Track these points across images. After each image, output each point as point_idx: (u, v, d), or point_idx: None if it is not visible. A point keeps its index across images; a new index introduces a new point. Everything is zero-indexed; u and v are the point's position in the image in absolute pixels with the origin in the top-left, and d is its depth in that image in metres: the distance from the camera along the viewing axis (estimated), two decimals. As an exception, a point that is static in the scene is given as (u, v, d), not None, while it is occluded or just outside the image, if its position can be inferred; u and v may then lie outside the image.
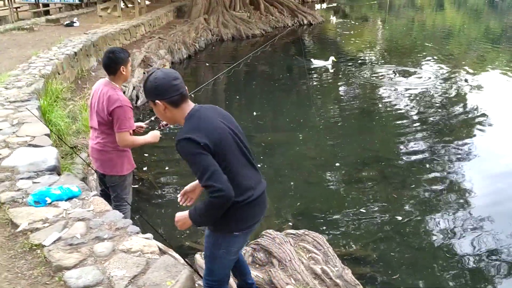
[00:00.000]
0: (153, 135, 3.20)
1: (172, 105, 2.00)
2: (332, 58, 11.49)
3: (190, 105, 2.06)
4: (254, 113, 8.02)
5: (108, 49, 3.12)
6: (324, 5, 25.94)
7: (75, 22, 11.95)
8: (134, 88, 7.89)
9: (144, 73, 8.80)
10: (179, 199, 2.34)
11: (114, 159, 3.18)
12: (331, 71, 11.22)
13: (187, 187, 2.34)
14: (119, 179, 3.24)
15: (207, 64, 12.27)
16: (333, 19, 21.96)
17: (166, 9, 16.09)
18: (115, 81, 3.11)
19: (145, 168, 5.71)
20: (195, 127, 1.95)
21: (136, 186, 5.05)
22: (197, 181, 2.19)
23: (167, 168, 5.81)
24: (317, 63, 11.64)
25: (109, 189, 3.30)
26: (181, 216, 2.09)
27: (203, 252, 2.40)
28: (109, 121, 3.04)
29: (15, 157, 3.42)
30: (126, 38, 11.19)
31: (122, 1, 14.39)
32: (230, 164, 1.98)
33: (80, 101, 6.50)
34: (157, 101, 1.99)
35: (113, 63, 3.03)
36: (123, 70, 3.08)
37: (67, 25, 11.67)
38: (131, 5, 15.25)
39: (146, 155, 6.07)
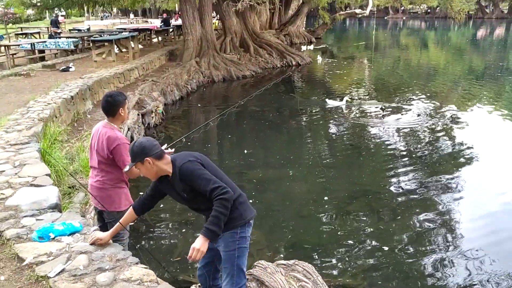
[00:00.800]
0: None
1: (157, 158, 2.62)
2: (346, 98, 11.84)
3: (168, 157, 2.71)
4: (245, 151, 8.25)
5: (107, 93, 3.40)
6: (311, 47, 26.81)
7: (71, 67, 12.32)
8: (129, 129, 8.14)
9: (138, 114, 9.08)
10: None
11: (112, 196, 3.39)
12: (345, 110, 11.46)
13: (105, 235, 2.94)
14: (117, 214, 3.42)
15: (199, 105, 12.62)
16: (320, 59, 22.69)
17: (159, 53, 16.62)
18: (114, 122, 3.37)
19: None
20: (185, 155, 2.67)
21: (132, 223, 5.20)
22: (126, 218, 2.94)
23: (162, 205, 5.97)
24: (331, 103, 11.89)
25: (107, 225, 3.47)
26: (197, 244, 2.51)
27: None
28: (109, 160, 3.28)
29: (18, 196, 3.60)
30: (120, 81, 11.55)
31: (116, 46, 14.86)
32: (217, 175, 2.64)
33: (77, 142, 6.71)
34: (146, 158, 2.57)
35: (111, 106, 3.30)
36: (121, 112, 3.35)
37: (63, 70, 12.03)
38: (125, 50, 15.75)
39: (141, 193, 6.21)
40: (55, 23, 22.33)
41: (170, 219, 5.67)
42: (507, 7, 68.46)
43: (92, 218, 4.40)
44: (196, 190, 2.58)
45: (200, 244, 2.50)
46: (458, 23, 25.32)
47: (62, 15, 37.70)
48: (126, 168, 2.73)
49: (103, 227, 3.46)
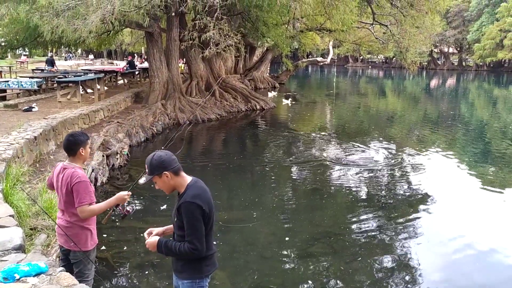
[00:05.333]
0: (118, 197, 3.36)
1: (175, 174, 2.71)
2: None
3: (185, 175, 2.79)
4: (215, 193, 8.34)
5: (69, 133, 3.49)
6: (275, 93, 27.62)
7: (34, 107, 12.19)
8: (93, 170, 8.10)
9: (103, 155, 9.05)
10: (145, 233, 2.94)
11: (78, 235, 3.41)
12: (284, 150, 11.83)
13: (158, 228, 2.96)
14: (82, 255, 3.44)
15: (162, 148, 12.66)
16: (288, 102, 23.48)
17: (125, 95, 16.70)
18: (75, 161, 3.44)
19: (103, 248, 5.80)
20: (199, 194, 2.69)
21: (94, 266, 5.13)
22: (164, 228, 2.97)
23: (125, 248, 5.93)
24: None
25: (72, 266, 3.47)
26: (152, 240, 2.78)
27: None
28: (69, 198, 3.33)
29: (-19, 237, 3.55)
30: (85, 122, 11.51)
31: (81, 87, 14.86)
32: (209, 227, 2.73)
33: (39, 183, 6.63)
34: (164, 172, 2.66)
35: (72, 145, 3.38)
36: (82, 151, 3.43)
37: (26, 110, 11.88)
38: (91, 91, 15.76)
39: (105, 235, 6.17)
40: (50, 62, 22.30)
41: (134, 261, 5.62)
42: (457, 60, 73.24)
43: (55, 260, 4.35)
44: (183, 224, 2.68)
45: (151, 242, 2.78)
46: (412, 73, 26.84)
47: (25, 55, 37.32)
48: (142, 181, 2.75)
49: (68, 267, 3.46)
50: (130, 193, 3.45)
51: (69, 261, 3.51)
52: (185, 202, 2.63)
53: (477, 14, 60.44)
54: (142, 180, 2.78)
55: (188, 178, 2.79)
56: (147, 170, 2.74)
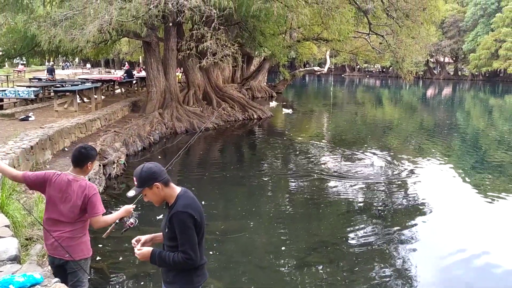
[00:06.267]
0: (126, 209, 3.41)
1: (165, 185, 2.69)
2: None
3: (174, 186, 2.76)
4: (203, 202, 8.28)
5: (81, 145, 3.51)
6: (277, 102, 27.73)
7: (31, 117, 12.18)
8: (89, 179, 8.07)
9: (100, 165, 9.03)
10: (133, 241, 2.89)
11: (81, 244, 3.43)
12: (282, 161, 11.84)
13: (146, 236, 2.92)
14: (83, 263, 3.43)
15: (159, 157, 12.65)
16: (289, 111, 23.65)
17: (122, 104, 16.71)
18: (80, 174, 3.45)
19: (98, 258, 5.77)
20: (190, 204, 2.68)
21: (90, 276, 5.11)
22: (152, 236, 2.92)
23: (121, 258, 5.91)
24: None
25: (68, 276, 3.45)
26: (144, 250, 2.75)
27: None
28: (80, 212, 3.33)
29: (-24, 248, 3.54)
30: (82, 131, 11.50)
31: (78, 96, 14.86)
32: (200, 236, 2.72)
33: (34, 193, 6.60)
34: (155, 183, 2.63)
35: (84, 158, 3.40)
36: (89, 166, 3.46)
37: (22, 120, 11.86)
38: (88, 100, 15.76)
39: (100, 245, 6.14)
40: (50, 71, 22.42)
41: (130, 271, 5.59)
42: (453, 69, 73.75)
43: (50, 271, 4.32)
44: (175, 235, 2.66)
45: (143, 252, 2.74)
46: (408, 83, 27.06)
47: (22, 64, 37.35)
48: (132, 193, 2.70)
49: (63, 278, 3.43)
50: (134, 206, 3.48)
51: (62, 273, 3.48)
52: (177, 212, 2.62)
53: (472, 24, 61.00)
54: (131, 193, 2.70)
55: (177, 189, 2.77)
56: (136, 183, 2.69)
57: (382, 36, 20.91)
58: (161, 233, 2.93)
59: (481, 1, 58.70)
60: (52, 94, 16.31)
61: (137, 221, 3.43)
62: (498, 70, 62.29)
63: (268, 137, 16.93)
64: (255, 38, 19.33)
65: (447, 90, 50.64)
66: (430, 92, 48.89)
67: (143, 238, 2.90)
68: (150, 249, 2.77)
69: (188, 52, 14.32)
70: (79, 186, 3.33)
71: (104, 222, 3.40)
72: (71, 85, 16.64)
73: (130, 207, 3.43)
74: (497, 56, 56.19)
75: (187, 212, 2.62)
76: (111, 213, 3.59)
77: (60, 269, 3.52)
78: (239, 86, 30.69)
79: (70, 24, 12.71)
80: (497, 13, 56.37)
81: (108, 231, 3.45)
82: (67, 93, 14.20)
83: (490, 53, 56.37)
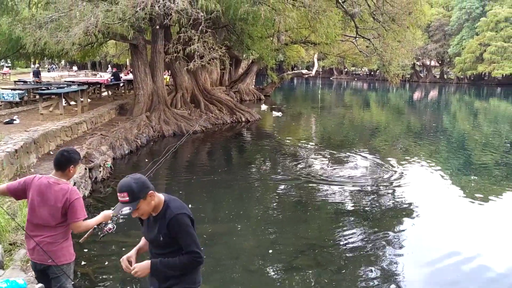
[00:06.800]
0: (105, 215, 3.39)
1: (154, 189, 2.59)
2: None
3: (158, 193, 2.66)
4: (190, 205, 8.24)
5: (64, 148, 3.46)
6: (268, 106, 27.72)
7: (15, 120, 12.02)
8: (75, 183, 7.98)
9: (85, 168, 8.94)
10: (124, 266, 2.73)
11: (63, 249, 3.36)
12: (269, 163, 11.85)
13: (131, 253, 2.80)
14: (66, 268, 3.38)
15: (146, 160, 12.56)
16: (279, 114, 23.72)
17: (109, 107, 16.57)
18: (63, 177, 3.39)
19: (83, 263, 5.70)
20: (181, 206, 2.67)
21: (74, 282, 5.04)
22: (136, 249, 2.82)
23: (106, 262, 5.84)
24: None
25: (51, 281, 3.39)
26: (142, 266, 2.63)
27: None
28: (60, 216, 3.27)
29: (-44, 253, 3.46)
30: (67, 135, 11.37)
31: (64, 99, 14.70)
32: None
33: (19, 197, 6.50)
34: (150, 192, 2.54)
35: (65, 161, 3.34)
36: (71, 169, 3.39)
37: (7, 123, 11.70)
38: (74, 103, 15.60)
39: (86, 250, 6.07)
40: (36, 74, 22.19)
41: (116, 276, 5.53)
42: (439, 73, 74.65)
43: (34, 276, 4.25)
44: (175, 240, 2.61)
45: (141, 268, 2.61)
46: (395, 86, 27.31)
47: (7, 66, 36.86)
48: (127, 211, 2.51)
49: (47, 284, 3.38)
50: (113, 211, 3.43)
51: (45, 278, 3.42)
52: (175, 216, 2.58)
53: (458, 28, 61.86)
54: (126, 211, 2.50)
55: (160, 195, 2.70)
56: (127, 198, 2.50)
57: (369, 39, 21.09)
58: (142, 244, 2.85)
59: (466, 6, 59.58)
60: (37, 97, 16.11)
61: (115, 226, 3.42)
62: (483, 73, 63.19)
63: (256, 140, 16.93)
64: (243, 41, 19.34)
65: (433, 93, 51.22)
66: (416, 95, 49.40)
67: (132, 256, 2.79)
68: (147, 262, 2.66)
69: (175, 55, 14.28)
70: (60, 189, 3.27)
71: (85, 227, 3.35)
72: (57, 88, 16.47)
73: (110, 212, 3.41)
74: (481, 59, 57.05)
75: (184, 213, 2.62)
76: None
77: (43, 274, 3.47)
78: (227, 89, 30.67)
79: (55, 26, 12.59)
80: (482, 17, 57.26)
81: (86, 236, 3.42)
82: (53, 96, 14.04)
83: (475, 57, 57.20)
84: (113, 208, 3.47)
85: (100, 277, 5.44)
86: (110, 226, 3.38)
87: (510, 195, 9.59)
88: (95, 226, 3.39)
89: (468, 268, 6.20)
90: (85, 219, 3.39)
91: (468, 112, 31.05)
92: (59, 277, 3.36)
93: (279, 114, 23.87)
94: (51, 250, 3.31)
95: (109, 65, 43.44)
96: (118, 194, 2.54)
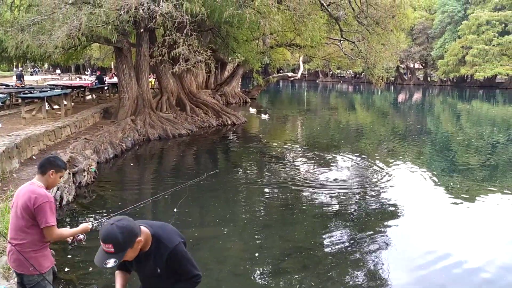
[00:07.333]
0: (84, 228, 3.37)
1: (140, 233, 2.37)
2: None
3: (142, 228, 2.45)
4: (175, 209, 8.17)
5: (52, 155, 3.44)
6: (256, 109, 27.69)
7: (-3, 124, 11.83)
8: (58, 188, 7.87)
9: (69, 173, 8.81)
10: None
11: (32, 258, 3.26)
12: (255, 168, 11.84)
13: None
14: (38, 277, 3.30)
15: (131, 164, 12.45)
16: (266, 116, 23.77)
17: (93, 111, 16.40)
18: (41, 181, 3.34)
19: (67, 269, 5.61)
20: (172, 235, 2.53)
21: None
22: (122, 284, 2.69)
23: (91, 269, 5.75)
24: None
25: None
26: None
27: None
28: (31, 219, 3.20)
29: None
30: (50, 139, 11.22)
31: (47, 103, 14.51)
32: None
33: (1, 203, 6.38)
34: (138, 239, 2.32)
35: (46, 164, 3.33)
36: (51, 174, 3.34)
37: (-12, 127, 11.50)
38: (57, 107, 15.40)
39: (69, 256, 5.98)
40: (19, 77, 21.90)
41: (101, 282, 5.46)
42: (423, 75, 75.65)
43: (16, 284, 4.17)
44: (174, 270, 2.53)
45: None
46: (379, 88, 27.55)
47: (-11, 70, 36.26)
48: (112, 263, 2.28)
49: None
50: (91, 225, 3.45)
51: (26, 286, 3.36)
52: (172, 250, 2.45)
53: (440, 31, 62.85)
54: (111, 263, 2.26)
55: (146, 229, 2.47)
56: (113, 249, 2.24)
57: (354, 42, 21.25)
58: (123, 283, 2.71)
59: (448, 9, 60.56)
60: (20, 100, 15.86)
61: (86, 237, 3.42)
62: (465, 75, 64.23)
63: (242, 143, 16.91)
64: (228, 44, 19.34)
65: (417, 95, 51.85)
66: (401, 97, 49.94)
67: None
68: None
69: (160, 58, 14.21)
70: (32, 190, 3.22)
71: (58, 236, 3.30)
72: (40, 92, 16.24)
73: (89, 225, 3.40)
74: (464, 62, 58.00)
75: (179, 242, 2.50)
76: (85, 222, 3.52)
77: (23, 283, 3.40)
78: (213, 92, 30.62)
79: (38, 29, 12.43)
80: (464, 20, 58.28)
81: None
82: (36, 100, 13.85)
83: (457, 59, 58.15)
84: (90, 223, 3.48)
85: (84, 284, 5.35)
86: (81, 236, 3.37)
87: (493, 196, 9.73)
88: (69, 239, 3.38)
89: (453, 268, 6.25)
90: (72, 227, 3.37)
91: (451, 114, 31.49)
92: (35, 286, 3.29)
93: (267, 116, 23.95)
94: (19, 258, 3.22)
95: (88, 69, 43.00)
96: (101, 243, 2.28)
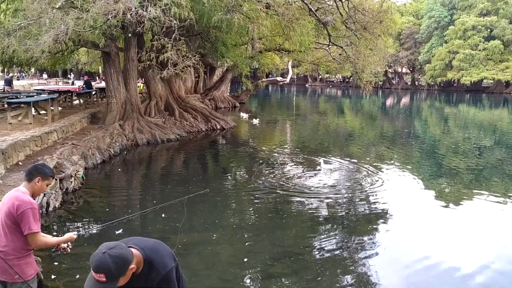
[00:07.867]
0: (69, 237, 3.33)
1: (133, 260, 2.27)
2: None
3: (133, 251, 2.33)
4: (163, 215, 8.12)
5: (41, 162, 3.40)
6: (248, 114, 27.65)
7: (-18, 130, 11.66)
8: (44, 195, 7.76)
9: (56, 179, 8.71)
10: None
11: (15, 265, 3.21)
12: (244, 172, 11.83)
13: None
14: (21, 285, 3.25)
15: (119, 170, 12.35)
16: (257, 121, 23.80)
17: (80, 116, 16.27)
18: (27, 188, 3.30)
19: (54, 276, 5.53)
20: (165, 258, 2.43)
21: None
22: None
23: (78, 276, 5.67)
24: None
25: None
26: None
27: None
28: (14, 225, 3.16)
29: None
30: (37, 144, 11.08)
31: (33, 108, 14.34)
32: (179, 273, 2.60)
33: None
34: (130, 267, 2.21)
35: (33, 171, 3.30)
36: (37, 182, 3.31)
37: (-27, 133, 11.33)
38: (44, 112, 15.23)
39: (56, 263, 5.90)
40: (8, 82, 21.66)
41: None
42: (410, 80, 76.41)
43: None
44: None
45: None
46: (368, 93, 27.75)
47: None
48: None
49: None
50: (76, 235, 3.43)
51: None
52: (165, 275, 2.38)
53: (427, 36, 63.61)
54: None
55: (138, 253, 2.36)
56: (105, 279, 2.13)
57: (342, 47, 21.40)
58: None
59: (435, 14, 61.37)
60: (5, 105, 15.66)
61: (70, 245, 3.39)
62: (452, 80, 64.98)
63: (231, 148, 16.89)
64: (217, 48, 19.34)
65: (405, 100, 52.32)
66: (389, 101, 50.34)
67: None
68: None
69: (148, 62, 14.15)
70: (16, 197, 3.18)
71: (43, 243, 3.26)
72: (26, 96, 16.07)
73: (74, 235, 3.37)
74: (451, 66, 58.75)
75: (171, 268, 2.42)
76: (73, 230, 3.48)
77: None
78: (202, 97, 30.55)
79: (24, 34, 12.30)
80: (450, 25, 59.07)
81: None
82: (22, 105, 13.69)
83: (444, 64, 58.87)
84: (76, 232, 3.44)
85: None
86: (64, 245, 3.33)
87: (479, 199, 9.83)
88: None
89: (443, 273, 6.29)
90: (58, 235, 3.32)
91: (439, 118, 31.81)
92: None
93: (257, 120, 24.04)
94: (3, 266, 3.17)
95: (71, 73, 42.64)
96: (92, 271, 2.16)
